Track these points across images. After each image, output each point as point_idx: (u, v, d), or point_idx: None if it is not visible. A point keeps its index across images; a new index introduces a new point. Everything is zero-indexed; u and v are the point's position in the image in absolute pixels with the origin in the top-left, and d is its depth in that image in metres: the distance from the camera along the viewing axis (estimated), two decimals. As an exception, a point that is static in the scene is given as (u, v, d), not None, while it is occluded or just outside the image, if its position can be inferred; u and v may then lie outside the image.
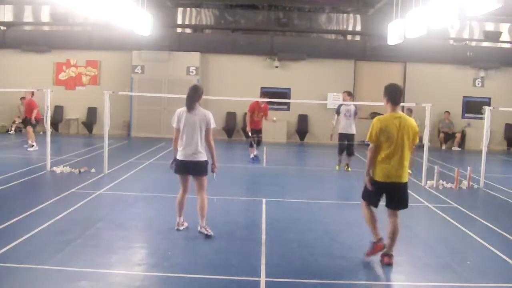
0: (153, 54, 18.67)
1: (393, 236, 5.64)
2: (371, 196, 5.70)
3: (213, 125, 6.46)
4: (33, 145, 14.21)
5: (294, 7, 19.63)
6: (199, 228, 6.49)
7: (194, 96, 6.50)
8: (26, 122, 15.03)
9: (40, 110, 15.61)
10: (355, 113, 12.26)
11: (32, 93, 14.69)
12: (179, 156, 6.47)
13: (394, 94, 5.64)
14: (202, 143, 6.41)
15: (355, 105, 12.35)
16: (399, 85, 5.82)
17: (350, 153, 12.23)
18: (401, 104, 5.86)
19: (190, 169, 6.48)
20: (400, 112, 5.63)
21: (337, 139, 12.38)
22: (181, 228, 6.64)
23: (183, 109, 6.48)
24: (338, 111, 12.33)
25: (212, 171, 6.51)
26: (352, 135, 12.19)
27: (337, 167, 12.44)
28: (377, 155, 5.57)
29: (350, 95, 12.47)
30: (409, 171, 5.85)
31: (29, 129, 14.42)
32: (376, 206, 5.73)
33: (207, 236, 6.35)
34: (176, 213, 6.67)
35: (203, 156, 6.43)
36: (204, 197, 6.53)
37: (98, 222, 6.90)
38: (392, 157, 5.49)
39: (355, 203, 8.45)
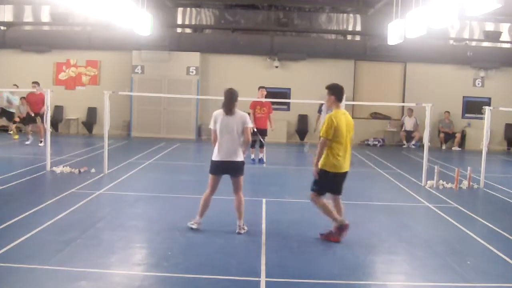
0: (153, 54, 18.66)
1: (341, 210, 6.44)
2: (331, 187, 6.31)
3: (249, 124, 6.68)
4: (41, 141, 14.39)
5: (294, 7, 19.62)
6: (237, 229, 6.58)
7: (231, 99, 6.61)
8: (34, 118, 15.09)
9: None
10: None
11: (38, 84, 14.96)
12: (214, 157, 6.59)
13: (340, 93, 6.30)
14: (239, 144, 6.55)
15: None
16: (341, 85, 6.45)
17: None
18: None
19: (227, 169, 6.59)
20: (344, 109, 6.37)
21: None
22: (194, 226, 6.58)
23: (220, 111, 6.61)
24: (320, 110, 13.57)
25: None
26: None
27: None
28: (330, 149, 6.15)
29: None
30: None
31: (42, 125, 14.39)
32: (339, 193, 6.40)
33: (239, 234, 6.54)
34: (198, 212, 6.63)
35: (239, 157, 6.56)
36: (241, 197, 6.66)
37: (98, 222, 6.90)
38: (345, 150, 6.20)
39: (355, 203, 8.46)
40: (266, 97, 13.09)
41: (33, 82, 15.00)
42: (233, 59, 19.34)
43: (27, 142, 14.98)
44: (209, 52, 19.26)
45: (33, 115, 15.18)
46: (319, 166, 6.26)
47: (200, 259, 5.61)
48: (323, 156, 6.23)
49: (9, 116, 16.74)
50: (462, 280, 5.25)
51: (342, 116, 6.22)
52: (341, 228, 6.32)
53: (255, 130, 13.00)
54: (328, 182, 6.26)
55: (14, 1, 18.99)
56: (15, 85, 15.81)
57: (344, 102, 6.54)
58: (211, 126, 6.62)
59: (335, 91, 6.29)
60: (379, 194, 9.83)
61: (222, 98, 6.67)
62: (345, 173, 6.33)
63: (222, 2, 19.18)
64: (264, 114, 13.06)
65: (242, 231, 6.59)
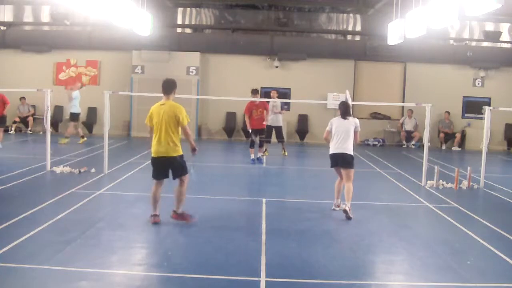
0: (153, 54, 18.66)
1: (182, 197, 7.06)
2: (157, 173, 6.94)
3: (359, 128, 7.97)
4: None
5: (294, 7, 19.63)
6: (345, 214, 7.54)
7: (347, 109, 7.97)
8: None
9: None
10: (282, 108, 14.68)
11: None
12: (330, 151, 8.00)
13: (165, 85, 6.97)
14: (351, 142, 7.89)
15: (281, 102, 14.80)
16: (171, 79, 7.10)
17: (281, 141, 14.81)
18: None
19: (337, 160, 8.05)
20: (165, 101, 6.91)
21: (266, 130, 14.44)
22: (337, 209, 7.95)
23: (336, 118, 7.95)
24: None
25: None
26: (280, 126, 14.71)
27: (266, 153, 14.32)
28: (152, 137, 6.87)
29: (278, 92, 15.15)
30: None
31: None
32: (160, 178, 7.00)
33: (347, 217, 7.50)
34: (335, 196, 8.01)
35: (349, 151, 7.89)
36: (350, 186, 7.68)
37: (98, 222, 6.90)
38: (157, 136, 6.79)
39: (355, 203, 8.45)
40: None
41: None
42: (233, 59, 19.34)
43: None
44: (209, 52, 19.26)
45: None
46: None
47: (200, 259, 5.62)
48: None
49: (74, 117, 16.25)
50: (462, 280, 5.25)
51: (161, 106, 6.84)
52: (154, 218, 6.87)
53: (251, 131, 13.04)
54: (152, 166, 6.98)
55: (14, 1, 18.99)
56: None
57: (173, 96, 7.01)
58: (328, 128, 7.98)
59: (162, 84, 6.98)
60: (379, 194, 9.83)
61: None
62: (159, 158, 6.85)
63: (222, 2, 19.18)
64: (261, 114, 13.14)
65: (348, 213, 7.46)
